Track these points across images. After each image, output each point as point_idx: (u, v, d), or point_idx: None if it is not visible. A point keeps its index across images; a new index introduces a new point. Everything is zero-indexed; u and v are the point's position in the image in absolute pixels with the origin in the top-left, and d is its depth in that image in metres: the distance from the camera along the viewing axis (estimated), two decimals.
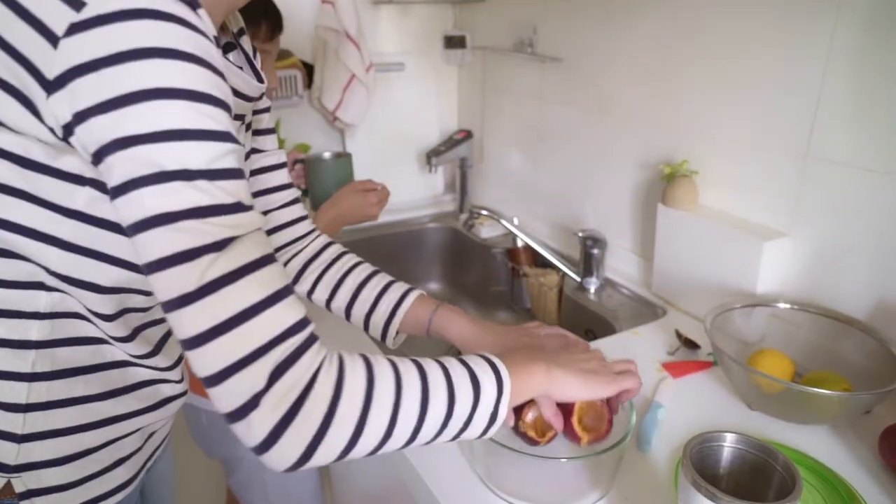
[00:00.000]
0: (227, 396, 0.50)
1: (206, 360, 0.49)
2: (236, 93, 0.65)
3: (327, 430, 0.52)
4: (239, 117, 0.70)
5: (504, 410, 0.62)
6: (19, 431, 0.60)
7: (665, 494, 0.74)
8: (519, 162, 1.70)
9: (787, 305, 0.99)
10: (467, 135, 1.77)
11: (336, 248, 0.91)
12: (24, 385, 0.59)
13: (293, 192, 0.89)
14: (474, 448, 0.77)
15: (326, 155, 1.51)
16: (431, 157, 1.71)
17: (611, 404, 0.75)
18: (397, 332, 0.86)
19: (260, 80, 0.74)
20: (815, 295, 1.00)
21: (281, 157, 0.87)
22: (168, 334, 0.71)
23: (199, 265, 0.48)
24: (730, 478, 0.62)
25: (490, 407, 0.61)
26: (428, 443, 0.60)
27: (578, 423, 0.73)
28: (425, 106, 1.87)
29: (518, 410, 0.81)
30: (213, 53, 0.50)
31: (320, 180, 1.44)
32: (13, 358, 0.58)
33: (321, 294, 0.88)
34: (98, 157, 0.48)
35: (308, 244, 0.90)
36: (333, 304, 0.88)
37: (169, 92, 0.47)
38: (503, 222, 1.45)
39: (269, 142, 0.85)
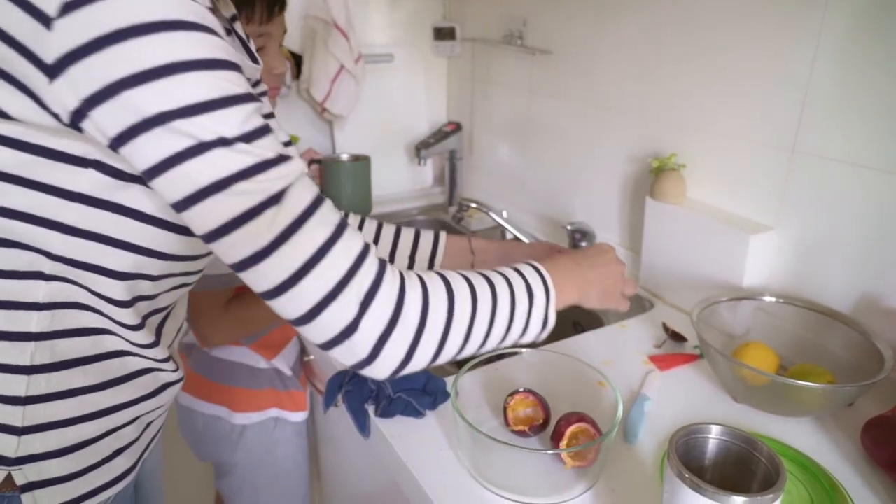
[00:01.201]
0: (322, 329, 0.54)
1: (294, 304, 0.53)
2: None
3: (420, 339, 0.58)
4: None
5: (553, 315, 0.69)
6: (19, 424, 0.59)
7: (651, 486, 0.75)
8: (508, 155, 1.70)
9: (773, 299, 0.99)
10: (456, 127, 1.77)
11: (354, 217, 0.92)
12: (23, 378, 0.58)
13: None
14: (462, 440, 0.77)
15: (344, 157, 1.48)
16: (421, 149, 1.71)
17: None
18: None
19: (255, 62, 0.73)
20: (801, 288, 1.01)
21: (286, 138, 0.85)
22: (163, 324, 0.70)
23: (264, 221, 0.50)
24: (715, 469, 0.62)
25: (542, 311, 0.68)
26: (497, 344, 0.66)
27: (568, 453, 0.73)
28: (414, 98, 1.86)
29: (506, 409, 0.82)
30: (211, 19, 0.50)
31: (337, 182, 1.41)
32: (12, 350, 0.57)
33: None
34: (121, 139, 0.48)
35: None
36: None
37: (186, 65, 0.47)
38: (492, 215, 1.45)
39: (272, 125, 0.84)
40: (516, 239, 1.44)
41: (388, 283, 0.56)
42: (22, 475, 0.60)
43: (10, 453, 0.60)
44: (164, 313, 0.70)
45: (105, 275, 0.58)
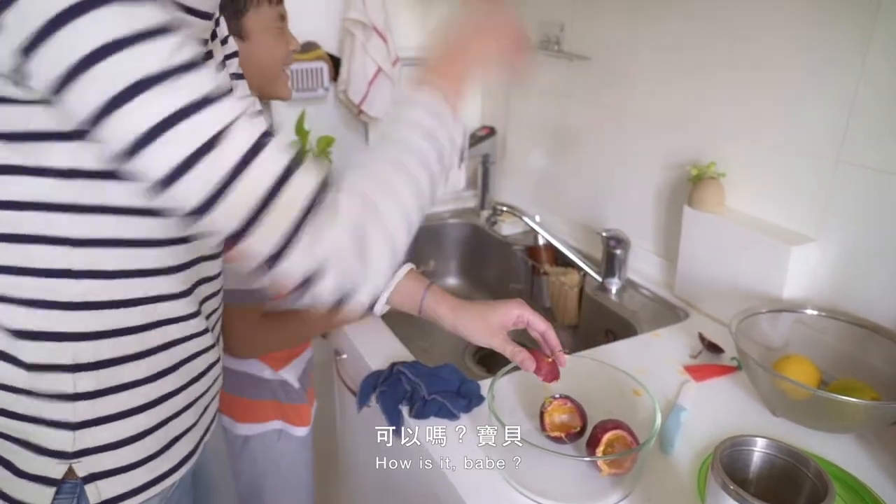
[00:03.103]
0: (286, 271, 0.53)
1: (263, 244, 0.51)
2: (190, 10, 0.61)
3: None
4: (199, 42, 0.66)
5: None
6: (72, 420, 0.60)
7: (688, 497, 0.74)
8: (541, 160, 1.69)
9: (814, 312, 0.97)
10: (490, 132, 1.77)
11: None
12: (68, 376, 0.59)
13: None
14: (497, 444, 0.77)
15: None
16: None
17: None
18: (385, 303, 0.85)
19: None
20: (842, 301, 0.99)
21: (256, 103, 0.85)
22: (208, 298, 0.70)
23: (213, 159, 0.48)
24: (759, 483, 0.62)
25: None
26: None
27: (605, 461, 0.73)
28: None
29: (543, 414, 0.82)
30: None
31: None
32: (55, 349, 0.58)
33: None
34: (57, 91, 0.46)
35: None
36: None
37: (95, 2, 0.44)
38: (525, 219, 1.45)
39: (240, 88, 0.83)
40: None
41: (342, 213, 0.54)
42: (83, 468, 0.61)
43: (68, 448, 0.61)
44: (211, 283, 0.70)
45: (143, 246, 0.59)
